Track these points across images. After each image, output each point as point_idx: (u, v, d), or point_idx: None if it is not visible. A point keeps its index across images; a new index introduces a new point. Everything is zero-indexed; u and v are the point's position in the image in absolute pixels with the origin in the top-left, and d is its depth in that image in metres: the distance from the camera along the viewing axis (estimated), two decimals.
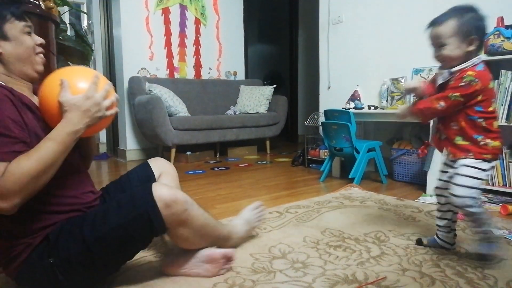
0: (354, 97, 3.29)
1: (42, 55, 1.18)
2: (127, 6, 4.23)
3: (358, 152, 2.74)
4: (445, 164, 1.49)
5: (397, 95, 2.99)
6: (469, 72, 1.30)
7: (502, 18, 2.35)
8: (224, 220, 1.93)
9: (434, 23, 1.38)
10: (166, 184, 1.23)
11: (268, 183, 2.95)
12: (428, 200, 2.29)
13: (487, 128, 1.34)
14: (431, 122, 2.43)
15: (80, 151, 1.28)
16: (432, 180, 2.45)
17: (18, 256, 1.08)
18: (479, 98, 1.31)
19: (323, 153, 3.43)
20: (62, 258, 1.07)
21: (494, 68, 2.12)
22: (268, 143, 4.69)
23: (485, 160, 1.34)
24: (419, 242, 1.57)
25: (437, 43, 1.36)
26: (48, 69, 2.26)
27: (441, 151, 1.49)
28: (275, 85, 4.83)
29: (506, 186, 2.31)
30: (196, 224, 1.21)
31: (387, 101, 3.09)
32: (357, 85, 3.38)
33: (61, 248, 1.07)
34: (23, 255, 1.08)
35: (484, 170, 1.34)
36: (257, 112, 4.59)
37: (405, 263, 1.39)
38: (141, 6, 4.32)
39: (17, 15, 1.11)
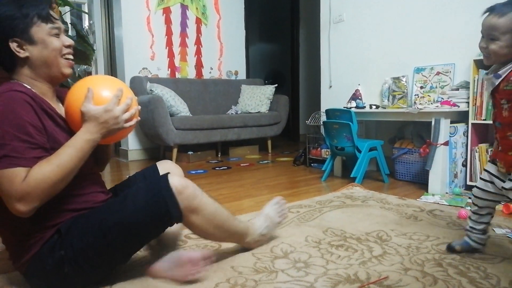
0: (355, 96, 3.28)
1: (71, 57, 1.17)
2: (128, 6, 4.23)
3: (359, 151, 2.74)
4: (491, 173, 1.37)
5: (398, 94, 2.98)
6: None
7: None
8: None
9: (494, 10, 1.22)
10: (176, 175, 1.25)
11: (270, 182, 2.95)
12: (430, 199, 2.29)
13: None
14: (433, 121, 2.43)
15: (96, 155, 1.29)
16: (434, 179, 2.45)
17: (29, 250, 1.09)
18: None
19: (325, 153, 3.43)
20: (75, 249, 1.08)
21: None
22: (269, 142, 4.69)
23: None
24: (451, 249, 1.47)
25: (489, 35, 1.23)
26: None
27: (495, 162, 1.36)
28: (276, 85, 4.83)
29: None
30: (207, 211, 1.24)
31: (388, 100, 3.09)
32: (359, 84, 3.37)
33: (76, 239, 1.08)
34: (33, 249, 1.09)
35: None
36: (259, 112, 4.59)
37: (407, 263, 1.39)
38: (142, 5, 4.32)
39: (43, 17, 1.10)
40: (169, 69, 4.58)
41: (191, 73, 4.78)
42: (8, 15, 1.05)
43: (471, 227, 1.46)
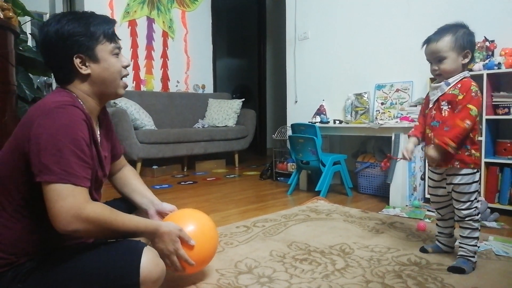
0: (320, 112, 3.36)
1: (125, 78, 1.19)
2: None
3: (324, 165, 2.79)
4: (433, 179, 1.57)
5: (360, 110, 3.08)
6: (473, 83, 1.42)
7: None
8: None
9: (431, 40, 1.47)
10: (154, 251, 1.13)
11: (236, 197, 2.94)
12: (391, 212, 2.35)
13: (472, 139, 1.45)
14: (393, 136, 2.52)
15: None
16: (394, 192, 2.53)
17: None
18: None
19: (291, 166, 3.47)
20: None
21: None
22: (236, 156, 4.68)
23: (472, 169, 1.45)
24: (423, 250, 1.64)
25: (436, 58, 1.45)
26: (6, 80, 2.18)
27: (429, 163, 1.60)
28: (243, 99, 4.86)
29: None
30: None
31: (351, 115, 3.18)
32: (323, 100, 3.46)
33: (33, 280, 1.03)
34: (1, 268, 1.02)
35: (476, 181, 1.46)
36: (226, 126, 4.59)
37: (368, 275, 1.42)
38: None
39: (109, 36, 1.11)
40: (134, 82, 4.51)
41: (157, 86, 4.72)
42: (76, 32, 1.07)
43: (439, 232, 1.64)
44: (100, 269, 1.03)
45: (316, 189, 2.78)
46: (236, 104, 4.71)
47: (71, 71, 1.09)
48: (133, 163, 3.89)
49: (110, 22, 1.15)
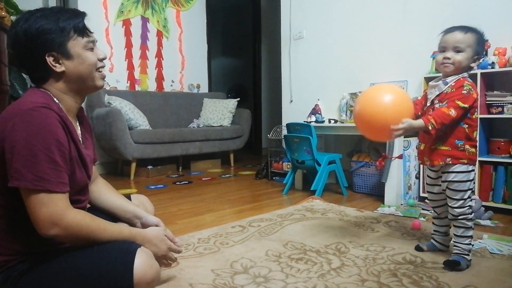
0: (315, 111, 3.36)
1: (103, 70, 1.16)
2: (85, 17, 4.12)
3: (319, 165, 2.79)
4: (430, 177, 1.61)
5: None
6: (467, 82, 1.43)
7: None
8: (186, 236, 1.90)
9: (457, 28, 1.45)
10: (147, 252, 1.12)
11: (232, 196, 2.93)
12: (386, 210, 2.36)
13: (468, 135, 1.46)
14: None
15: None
16: (389, 191, 2.53)
17: None
18: None
19: (286, 166, 3.47)
20: None
21: None
22: (232, 156, 4.68)
23: (467, 167, 1.46)
24: (418, 248, 1.66)
25: (455, 47, 1.43)
26: None
27: (421, 162, 1.60)
28: (238, 98, 4.85)
29: None
30: None
31: (346, 114, 3.18)
32: (318, 99, 3.46)
33: (25, 283, 1.02)
34: None
35: (470, 180, 1.47)
36: (221, 125, 4.58)
37: (364, 274, 1.42)
38: (101, 17, 4.22)
39: (80, 30, 1.08)
40: (129, 82, 4.49)
41: (151, 86, 4.70)
42: (45, 29, 1.03)
43: (435, 230, 1.66)
44: (93, 271, 1.02)
45: (312, 189, 2.79)
46: (231, 103, 4.70)
47: (45, 70, 1.06)
48: (127, 163, 3.88)
49: (80, 15, 1.10)
